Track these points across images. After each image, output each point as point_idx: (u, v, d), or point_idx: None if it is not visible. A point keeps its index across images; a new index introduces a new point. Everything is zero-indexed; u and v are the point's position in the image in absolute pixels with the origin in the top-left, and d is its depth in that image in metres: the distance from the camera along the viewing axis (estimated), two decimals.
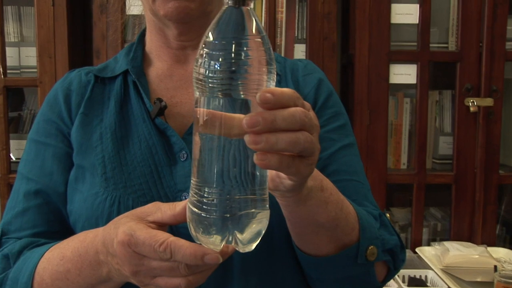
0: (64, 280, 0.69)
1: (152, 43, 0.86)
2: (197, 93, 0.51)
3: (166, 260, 0.56)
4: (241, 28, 0.50)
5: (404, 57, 1.89)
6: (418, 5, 1.86)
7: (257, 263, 0.73)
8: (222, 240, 0.53)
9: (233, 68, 0.48)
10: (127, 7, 1.90)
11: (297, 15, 1.95)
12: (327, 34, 1.89)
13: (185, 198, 0.74)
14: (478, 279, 1.65)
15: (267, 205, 0.54)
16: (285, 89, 0.49)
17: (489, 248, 1.83)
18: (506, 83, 1.90)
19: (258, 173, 0.52)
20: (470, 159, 1.90)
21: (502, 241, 2.06)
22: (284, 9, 1.95)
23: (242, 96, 0.50)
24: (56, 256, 0.70)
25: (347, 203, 0.69)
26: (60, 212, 0.80)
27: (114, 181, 0.75)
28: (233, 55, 0.49)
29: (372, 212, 0.75)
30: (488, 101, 1.85)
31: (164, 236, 0.57)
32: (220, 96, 0.50)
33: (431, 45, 1.87)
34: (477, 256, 1.76)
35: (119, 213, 0.72)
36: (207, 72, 0.49)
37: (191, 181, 0.54)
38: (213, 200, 0.51)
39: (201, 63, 0.50)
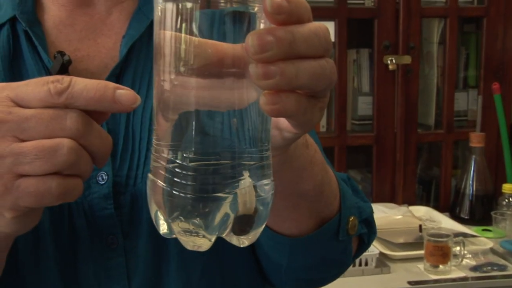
0: None
1: None
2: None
3: (51, 103, 0.38)
4: None
5: (321, 14, 1.79)
6: None
7: (199, 256, 0.58)
8: (217, 230, 0.36)
9: None
10: None
11: None
12: None
13: (102, 179, 0.57)
14: (401, 241, 1.62)
15: (271, 173, 0.39)
16: None
17: (410, 207, 1.82)
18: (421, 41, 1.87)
19: (260, 124, 0.36)
20: (390, 119, 1.86)
21: (420, 199, 2.07)
22: None
23: (235, 5, 0.34)
24: None
25: (327, 165, 0.57)
26: None
27: None
28: None
29: (340, 175, 0.63)
30: (406, 59, 1.81)
31: None
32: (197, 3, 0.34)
33: (347, 1, 1.80)
34: (400, 217, 1.74)
35: None
36: None
37: (153, 142, 0.38)
38: (194, 171, 0.35)
39: None
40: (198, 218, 0.35)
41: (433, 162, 2.11)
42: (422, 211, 1.86)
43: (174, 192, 0.36)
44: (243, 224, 0.37)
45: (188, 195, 0.35)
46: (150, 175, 0.38)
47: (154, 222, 0.38)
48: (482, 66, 1.90)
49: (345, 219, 0.58)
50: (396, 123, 1.86)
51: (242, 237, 0.37)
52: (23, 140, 0.38)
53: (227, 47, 0.35)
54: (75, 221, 0.56)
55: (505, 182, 1.80)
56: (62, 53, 0.58)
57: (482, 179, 1.79)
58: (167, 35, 0.34)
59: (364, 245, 0.64)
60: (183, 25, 0.34)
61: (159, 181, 0.36)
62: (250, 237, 0.38)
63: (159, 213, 0.37)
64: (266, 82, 0.34)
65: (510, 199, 1.75)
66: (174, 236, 0.37)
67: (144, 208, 0.56)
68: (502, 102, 1.78)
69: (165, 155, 0.36)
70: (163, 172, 0.36)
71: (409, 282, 1.38)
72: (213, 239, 0.37)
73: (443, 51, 1.89)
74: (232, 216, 0.36)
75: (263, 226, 0.38)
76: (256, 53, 0.33)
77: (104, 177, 0.57)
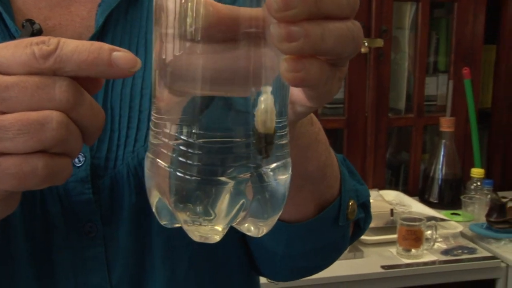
0: None
1: None
2: None
3: (36, 69, 0.33)
4: None
5: None
6: None
7: (186, 245, 0.54)
8: (229, 218, 0.32)
9: None
10: None
11: None
12: None
13: (78, 161, 0.51)
14: (372, 225, 1.62)
15: (288, 151, 0.34)
16: None
17: (380, 192, 1.82)
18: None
19: (280, 95, 0.32)
20: (361, 103, 1.85)
21: (388, 183, 2.07)
22: None
23: None
24: None
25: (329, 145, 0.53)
26: None
27: None
28: None
29: (336, 156, 0.60)
30: (379, 42, 1.80)
31: None
32: None
33: None
34: (372, 201, 1.73)
35: None
36: None
37: (152, 116, 0.33)
38: (202, 149, 0.31)
39: None
40: (207, 205, 0.31)
41: (402, 147, 2.11)
42: (392, 195, 1.86)
43: (178, 174, 0.31)
44: (263, 145, 0.33)
45: (195, 178, 0.31)
46: (149, 154, 0.33)
47: (153, 209, 0.34)
48: (452, 51, 1.90)
49: (345, 203, 0.54)
50: (367, 107, 1.85)
51: (260, 223, 0.33)
52: (3, 113, 0.33)
53: (241, 8, 0.31)
54: (49, 208, 0.51)
55: (473, 166, 1.82)
56: (31, 22, 0.52)
57: (451, 164, 1.80)
58: None
59: (360, 230, 0.61)
60: None
61: (161, 162, 0.32)
62: (269, 222, 0.34)
63: (161, 199, 0.33)
64: (289, 45, 0.30)
65: (478, 183, 1.77)
66: (177, 225, 0.33)
67: (126, 193, 0.51)
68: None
69: (168, 131, 0.32)
70: (165, 151, 0.32)
71: (383, 267, 1.38)
72: (225, 229, 0.33)
73: (414, 35, 1.88)
74: (247, 202, 0.32)
75: (281, 211, 0.34)
76: (279, 10, 0.29)
77: (81, 159, 0.51)
